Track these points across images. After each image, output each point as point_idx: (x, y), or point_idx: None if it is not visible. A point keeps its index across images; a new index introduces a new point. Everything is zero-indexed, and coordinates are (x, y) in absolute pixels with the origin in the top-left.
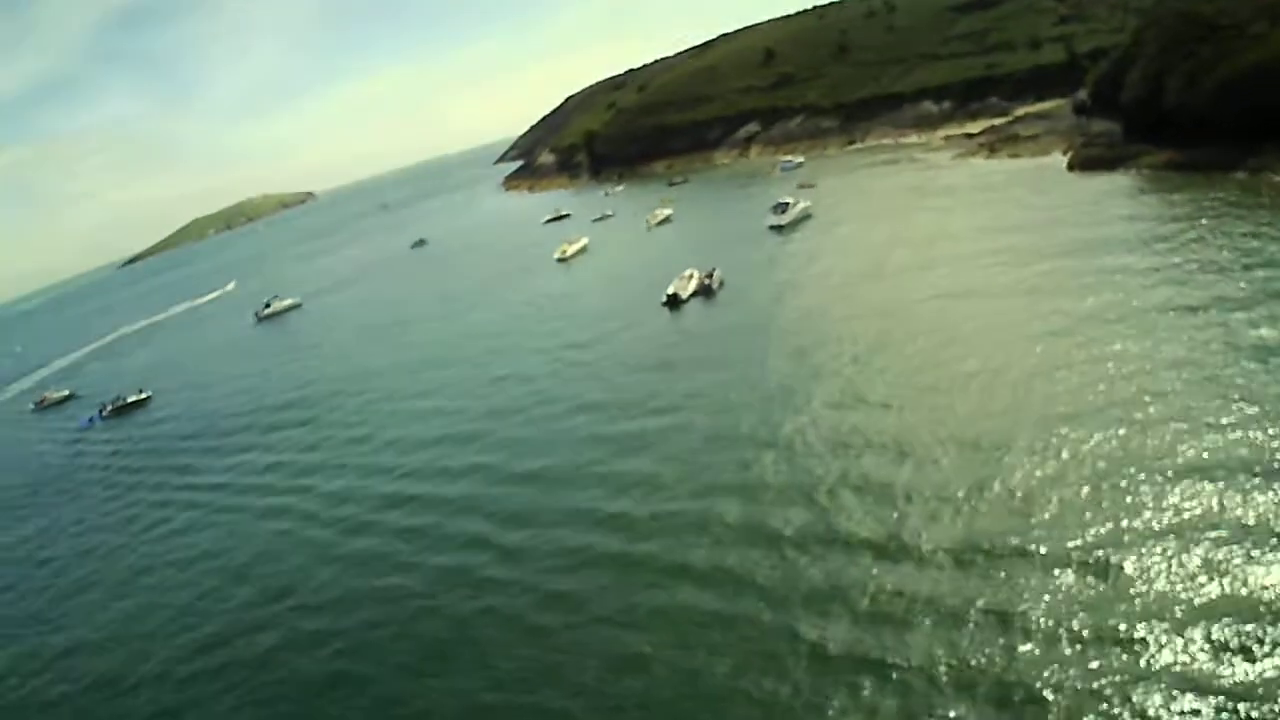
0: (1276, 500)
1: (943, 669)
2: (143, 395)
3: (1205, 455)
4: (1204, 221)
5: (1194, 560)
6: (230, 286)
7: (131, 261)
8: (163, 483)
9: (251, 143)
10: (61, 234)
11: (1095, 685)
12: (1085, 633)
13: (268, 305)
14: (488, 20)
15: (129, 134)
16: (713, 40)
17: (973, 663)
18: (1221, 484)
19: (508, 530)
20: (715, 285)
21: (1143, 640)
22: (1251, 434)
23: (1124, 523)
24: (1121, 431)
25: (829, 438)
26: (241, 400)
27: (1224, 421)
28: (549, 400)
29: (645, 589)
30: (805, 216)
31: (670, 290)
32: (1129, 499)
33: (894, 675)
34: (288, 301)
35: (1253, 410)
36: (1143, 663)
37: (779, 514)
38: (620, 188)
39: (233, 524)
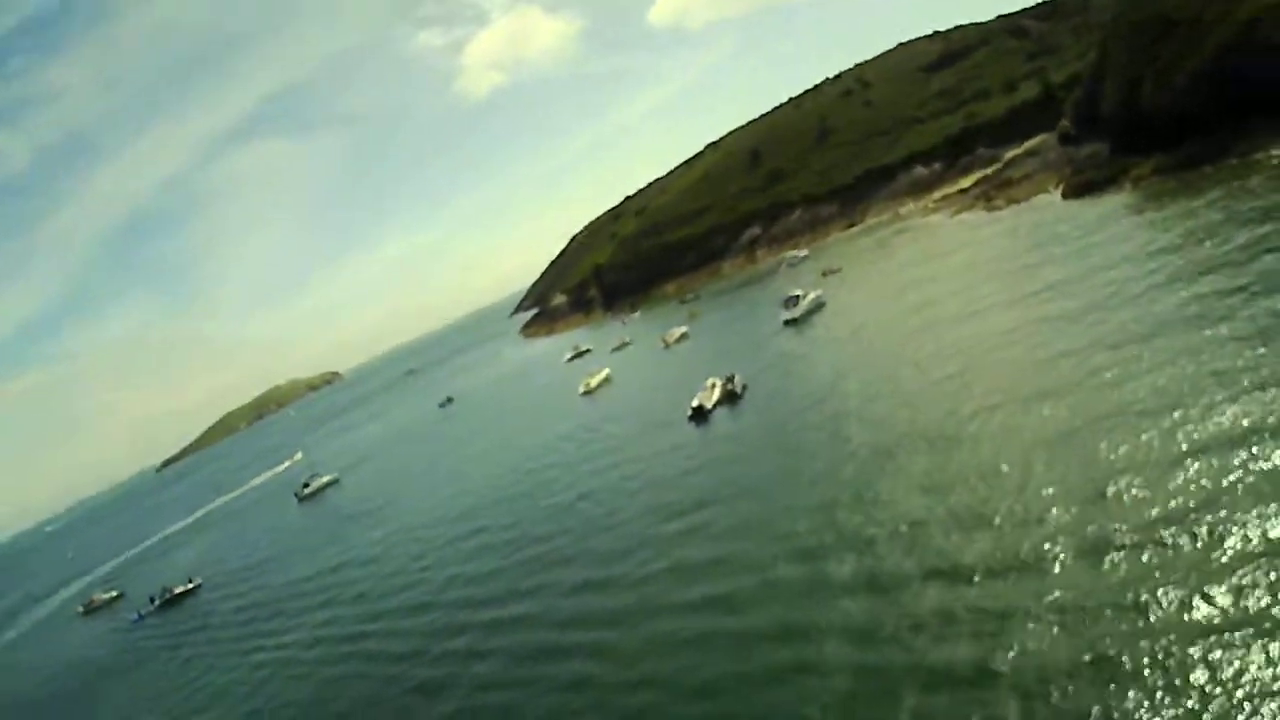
0: None
1: None
2: (192, 584)
3: None
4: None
5: None
6: (298, 456)
7: (166, 465)
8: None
9: (271, 330)
10: (89, 450)
11: None
12: None
13: (306, 485)
14: (485, 176)
15: (147, 342)
16: (700, 152)
17: None
18: None
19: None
20: (739, 390)
21: None
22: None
23: None
24: None
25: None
26: (291, 574)
27: None
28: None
29: None
30: (818, 306)
31: (695, 402)
32: None
33: None
34: (325, 479)
35: None
36: None
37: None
38: (635, 315)
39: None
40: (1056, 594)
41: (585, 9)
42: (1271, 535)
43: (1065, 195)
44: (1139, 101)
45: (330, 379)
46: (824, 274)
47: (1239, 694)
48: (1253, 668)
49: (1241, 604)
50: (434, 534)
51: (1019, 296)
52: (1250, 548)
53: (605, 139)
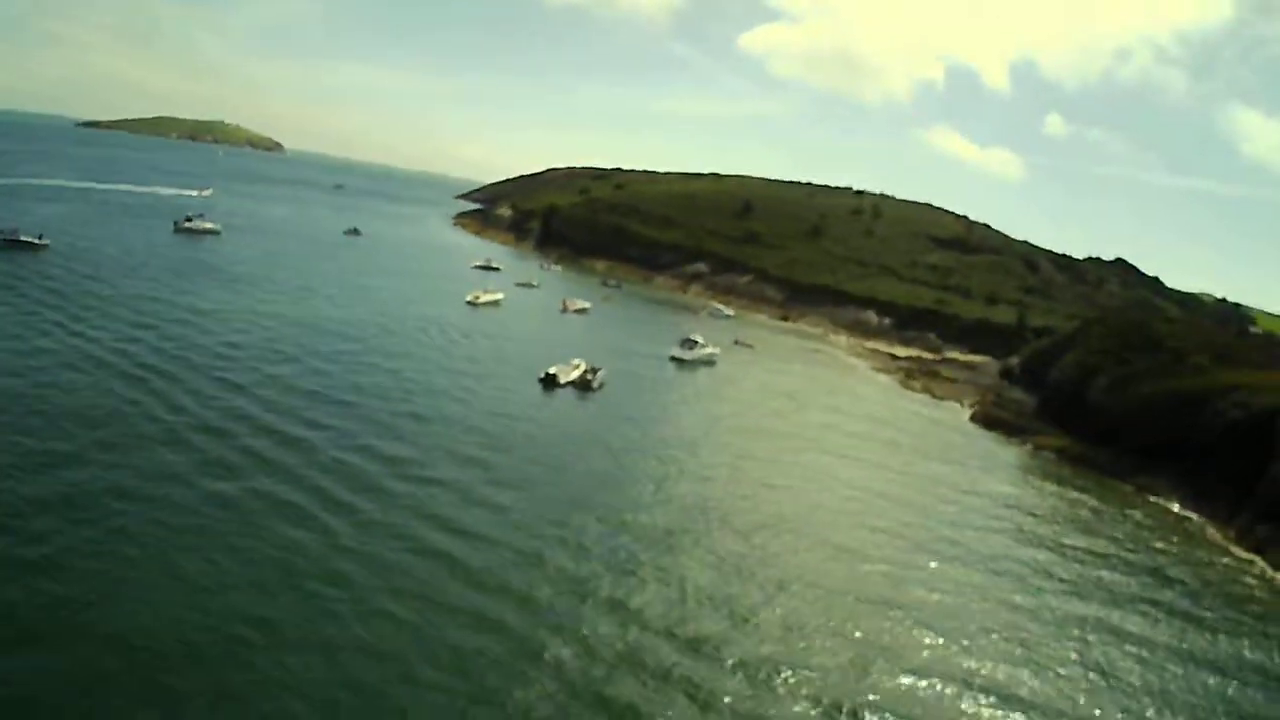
0: None
1: None
2: (39, 241)
3: None
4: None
5: None
6: (209, 192)
7: (88, 125)
8: None
9: (243, 71)
10: (24, 70)
11: None
12: None
13: (188, 220)
14: (506, 59)
15: (145, 10)
16: (702, 174)
17: None
18: None
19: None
20: (595, 384)
21: None
22: None
23: None
24: None
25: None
26: (132, 287)
27: None
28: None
29: None
30: (709, 361)
31: (551, 370)
32: None
33: None
34: (208, 224)
35: None
36: None
37: None
38: (557, 267)
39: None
40: None
41: None
42: None
43: (973, 417)
44: (1086, 388)
45: (271, 147)
46: (735, 342)
47: None
48: None
49: None
50: (267, 329)
51: (876, 465)
52: None
53: (631, 115)
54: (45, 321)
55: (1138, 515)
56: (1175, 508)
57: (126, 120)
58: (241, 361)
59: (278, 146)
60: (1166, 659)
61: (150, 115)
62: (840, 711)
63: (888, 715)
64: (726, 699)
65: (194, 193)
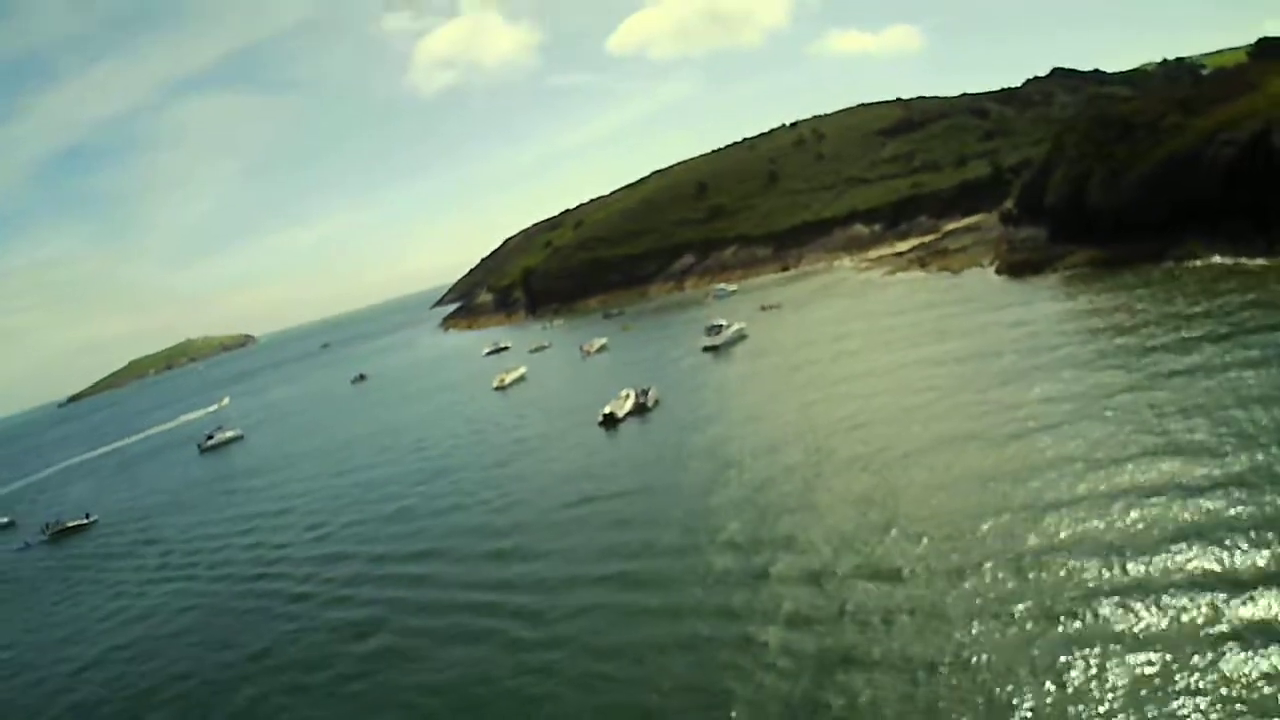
0: None
1: None
2: (87, 520)
3: None
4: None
5: None
6: (225, 401)
7: (71, 400)
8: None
9: (191, 285)
10: None
11: None
12: None
13: (210, 437)
14: (416, 169)
15: (66, 276)
16: (645, 177)
17: None
18: None
19: None
20: (650, 404)
21: None
22: None
23: None
24: None
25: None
26: (188, 520)
27: None
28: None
29: None
30: (740, 338)
31: (607, 410)
32: None
33: None
34: (230, 434)
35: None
36: None
37: None
38: (558, 322)
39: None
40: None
41: (544, 23)
42: None
43: (999, 271)
44: (1084, 195)
45: (244, 341)
46: (762, 308)
47: None
48: None
49: None
50: (330, 503)
51: (931, 356)
52: None
53: (552, 155)
54: (131, 583)
55: (1191, 280)
56: (1217, 260)
57: (104, 379)
58: (331, 534)
59: (250, 339)
60: None
61: (123, 365)
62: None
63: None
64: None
65: (214, 407)
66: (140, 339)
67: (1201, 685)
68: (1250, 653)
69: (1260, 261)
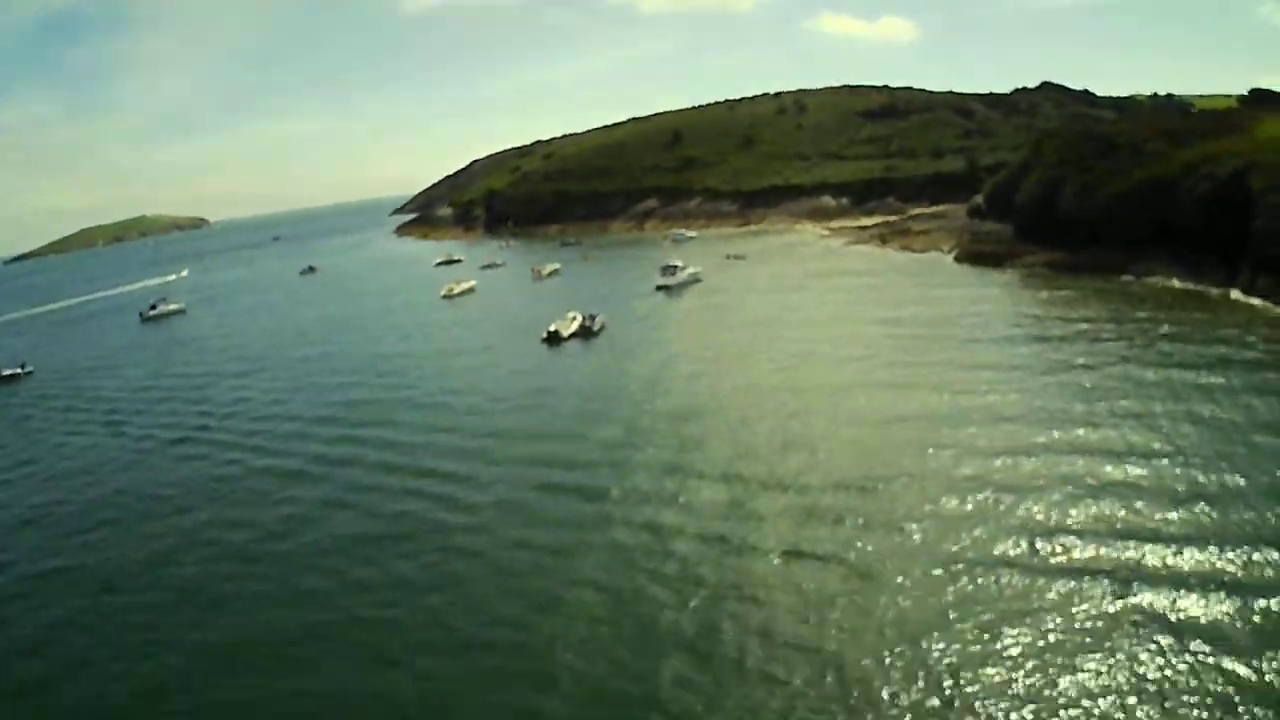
0: None
1: None
2: (23, 370)
3: None
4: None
5: None
6: (185, 273)
7: (17, 259)
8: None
9: (154, 166)
10: None
11: None
12: None
13: (153, 308)
14: (402, 76)
15: (33, 141)
16: (622, 121)
17: None
18: None
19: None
20: (596, 328)
21: None
22: None
23: None
24: None
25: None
26: (128, 378)
27: None
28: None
29: None
30: (694, 280)
31: (552, 327)
32: None
33: None
34: (173, 306)
35: None
36: None
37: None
38: (514, 244)
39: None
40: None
41: None
42: None
43: (958, 258)
44: (1056, 200)
45: (198, 224)
46: (728, 257)
47: None
48: None
49: None
50: (266, 378)
51: (876, 318)
52: None
53: (530, 90)
54: (69, 425)
55: (1145, 296)
56: (1176, 284)
57: (53, 243)
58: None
59: (204, 223)
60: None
61: (75, 231)
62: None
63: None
64: None
65: (171, 277)
66: (96, 212)
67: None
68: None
69: (1218, 291)
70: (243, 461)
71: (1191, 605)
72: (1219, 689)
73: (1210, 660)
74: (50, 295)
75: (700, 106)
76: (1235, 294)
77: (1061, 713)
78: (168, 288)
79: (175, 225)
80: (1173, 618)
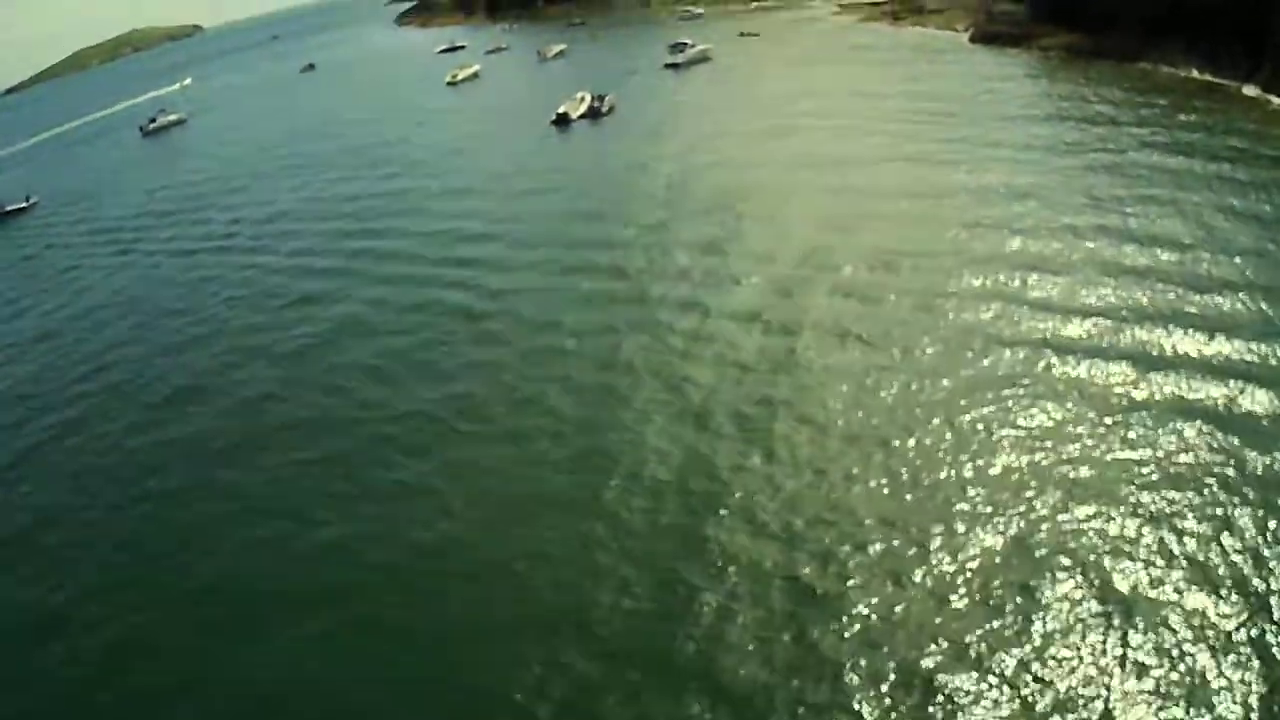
0: None
1: None
2: (29, 202)
3: None
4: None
5: None
6: (188, 81)
7: (9, 93)
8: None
9: None
10: None
11: None
12: None
13: (153, 120)
14: None
15: None
16: None
17: None
18: None
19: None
20: (605, 109)
21: None
22: None
23: None
24: None
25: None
26: (133, 200)
27: None
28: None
29: None
30: (703, 58)
31: (560, 109)
32: None
33: None
34: (173, 116)
35: None
36: None
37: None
38: (517, 26)
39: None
40: None
41: None
42: None
43: (972, 39)
44: None
45: (191, 32)
46: (741, 34)
47: None
48: None
49: None
50: (279, 184)
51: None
52: None
53: None
54: (80, 262)
55: (1163, 84)
56: (1194, 74)
57: (45, 70)
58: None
59: (198, 29)
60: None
61: (64, 57)
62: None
63: None
64: None
65: (176, 85)
66: (86, 33)
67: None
68: None
69: (1236, 85)
70: (265, 265)
71: (1214, 390)
72: (1231, 472)
73: (1230, 443)
74: (49, 121)
75: None
76: (1254, 90)
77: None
78: (169, 98)
79: (168, 36)
80: (1192, 401)
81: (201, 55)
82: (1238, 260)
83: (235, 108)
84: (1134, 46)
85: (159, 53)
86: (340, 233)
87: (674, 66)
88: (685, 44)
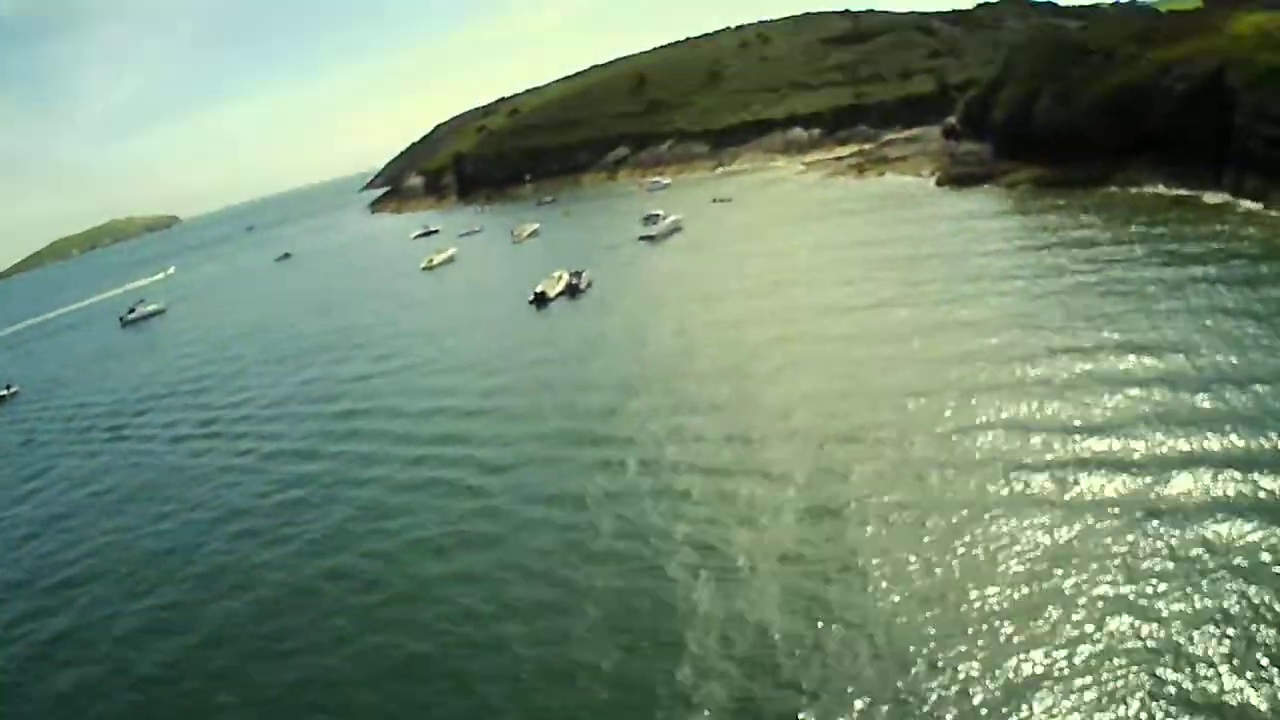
0: None
1: None
2: (9, 390)
3: None
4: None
5: None
6: (171, 270)
7: None
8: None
9: (116, 162)
10: None
11: None
12: None
13: (132, 311)
14: (357, 47)
15: None
16: (585, 70)
17: None
18: None
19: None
20: (583, 285)
21: None
22: None
23: None
24: None
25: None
26: (117, 389)
27: None
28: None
29: None
30: (676, 229)
31: (539, 288)
32: None
33: None
34: (151, 307)
35: None
36: None
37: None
38: (489, 207)
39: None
40: None
41: None
42: None
43: (939, 182)
44: (1032, 113)
45: (169, 223)
46: (714, 200)
47: None
48: None
49: None
50: (257, 373)
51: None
52: None
53: (490, 44)
54: (63, 442)
55: (1132, 204)
56: (1162, 189)
57: (25, 260)
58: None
59: (175, 220)
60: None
61: (46, 245)
62: None
63: None
64: None
65: (159, 275)
66: (64, 221)
67: None
68: None
69: (1204, 194)
70: (256, 449)
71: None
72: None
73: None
74: (28, 310)
75: (662, 48)
76: (1222, 197)
77: None
78: (150, 288)
79: (147, 227)
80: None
81: (180, 246)
82: (1234, 359)
83: (212, 297)
84: (1099, 171)
85: (138, 244)
86: (328, 415)
87: (649, 239)
88: (658, 215)
